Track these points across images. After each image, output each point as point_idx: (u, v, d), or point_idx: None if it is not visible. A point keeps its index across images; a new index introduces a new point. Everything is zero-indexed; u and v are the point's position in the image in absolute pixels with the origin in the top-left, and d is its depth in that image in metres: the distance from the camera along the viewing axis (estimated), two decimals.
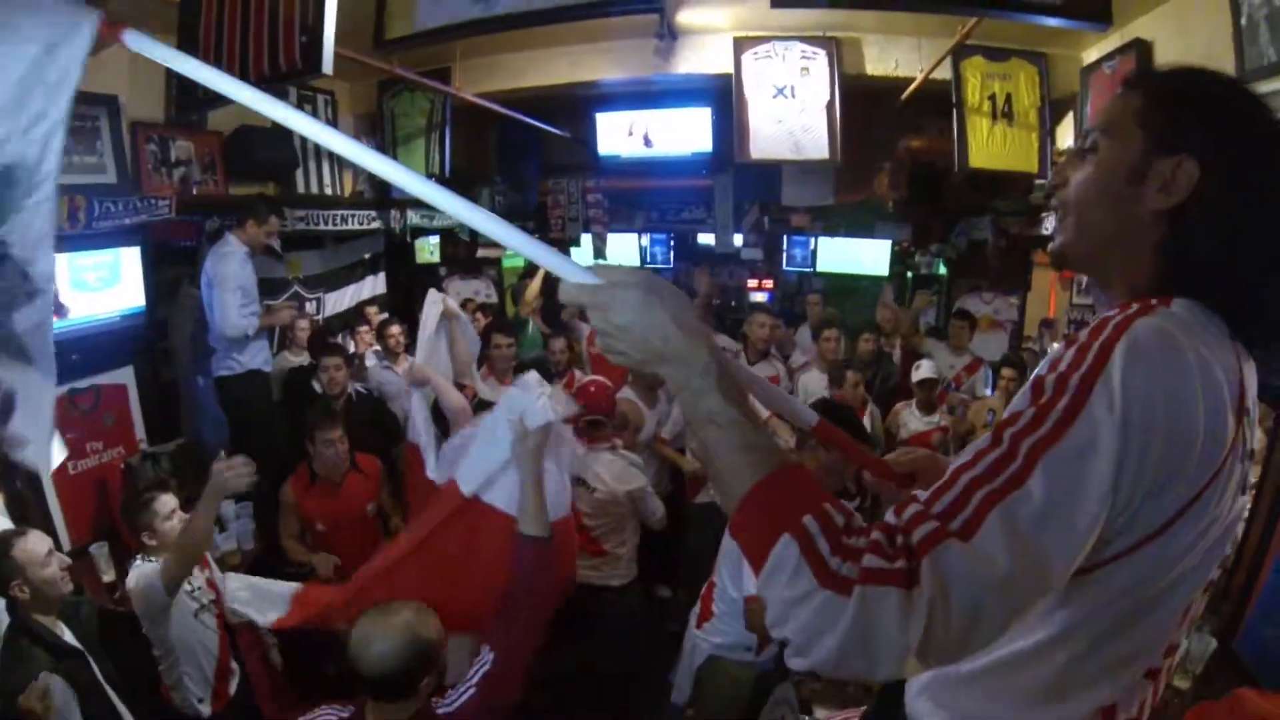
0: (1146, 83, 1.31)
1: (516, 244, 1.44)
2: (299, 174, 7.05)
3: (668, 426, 5.84)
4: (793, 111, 6.67)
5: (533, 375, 3.22)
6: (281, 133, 6.59)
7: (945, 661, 1.07)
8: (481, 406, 4.58)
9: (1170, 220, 1.21)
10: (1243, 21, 4.00)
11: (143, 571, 3.37)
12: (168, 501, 3.62)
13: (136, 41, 1.53)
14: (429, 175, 7.47)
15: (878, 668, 1.01)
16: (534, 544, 2.82)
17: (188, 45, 3.93)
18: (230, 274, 5.47)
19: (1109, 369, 1.06)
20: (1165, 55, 5.11)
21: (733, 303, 11.66)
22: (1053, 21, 4.66)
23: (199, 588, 3.63)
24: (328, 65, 3.56)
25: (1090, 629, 1.22)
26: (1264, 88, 3.91)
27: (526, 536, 2.82)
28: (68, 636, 3.26)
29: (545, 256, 1.41)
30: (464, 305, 8.51)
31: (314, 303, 7.79)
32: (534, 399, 3.03)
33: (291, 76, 3.72)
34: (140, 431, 5.45)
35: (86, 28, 1.51)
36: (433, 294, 4.19)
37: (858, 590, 0.99)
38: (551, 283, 7.59)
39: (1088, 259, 1.34)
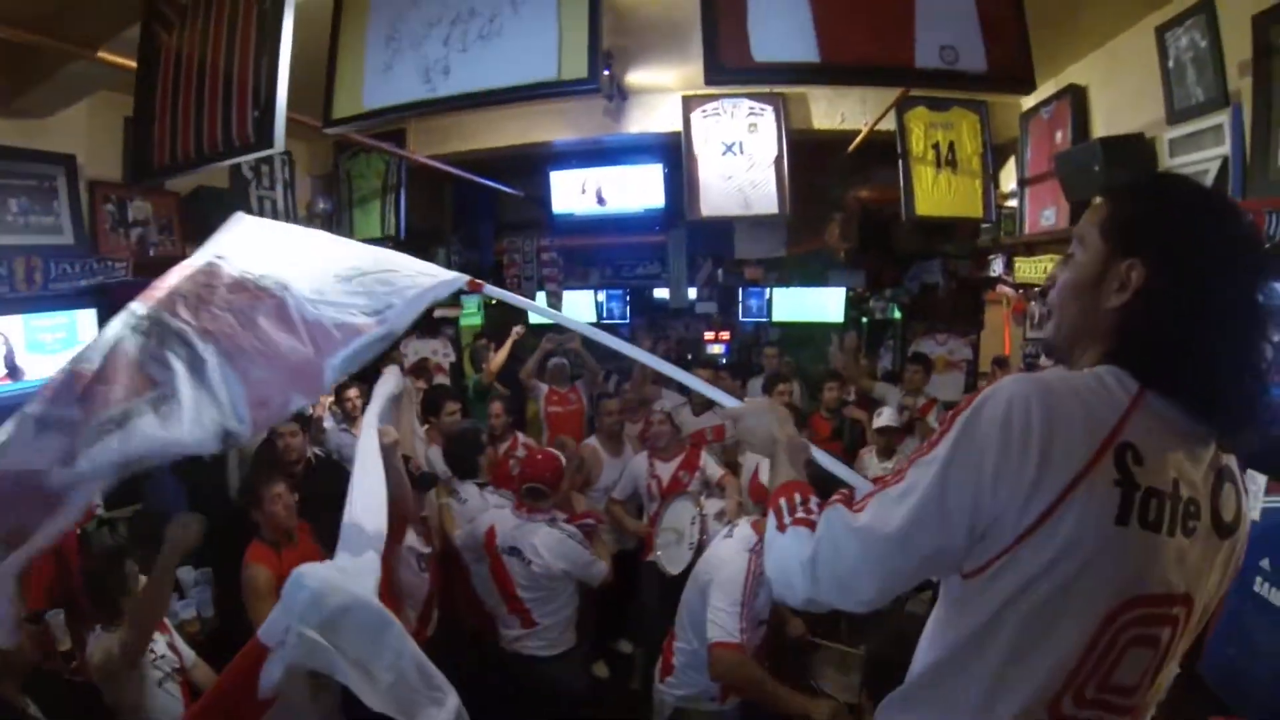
0: (1113, 194, 1.55)
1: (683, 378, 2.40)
2: None
3: (619, 486, 5.88)
4: (742, 168, 6.80)
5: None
6: (238, 193, 6.64)
7: (833, 597, 1.51)
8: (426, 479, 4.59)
9: (1122, 314, 1.44)
10: (1170, 65, 4.20)
11: (103, 643, 3.30)
12: (133, 567, 3.57)
13: (491, 290, 2.78)
14: (385, 235, 7.58)
15: (793, 587, 1.55)
16: None
17: (143, 115, 3.96)
18: None
19: (975, 403, 1.41)
20: (1099, 100, 5.33)
21: (689, 355, 11.70)
22: (978, 91, 4.89)
23: (162, 655, 3.53)
24: (279, 141, 3.60)
25: (992, 641, 1.43)
26: (1192, 127, 4.08)
27: None
28: (32, 710, 3.19)
29: (700, 386, 2.39)
30: (422, 364, 8.54)
31: None
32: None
33: (244, 150, 3.75)
34: (96, 497, 5.30)
35: (457, 284, 2.61)
36: (390, 371, 4.10)
37: (788, 529, 1.58)
38: (517, 347, 7.69)
39: (1065, 348, 1.57)
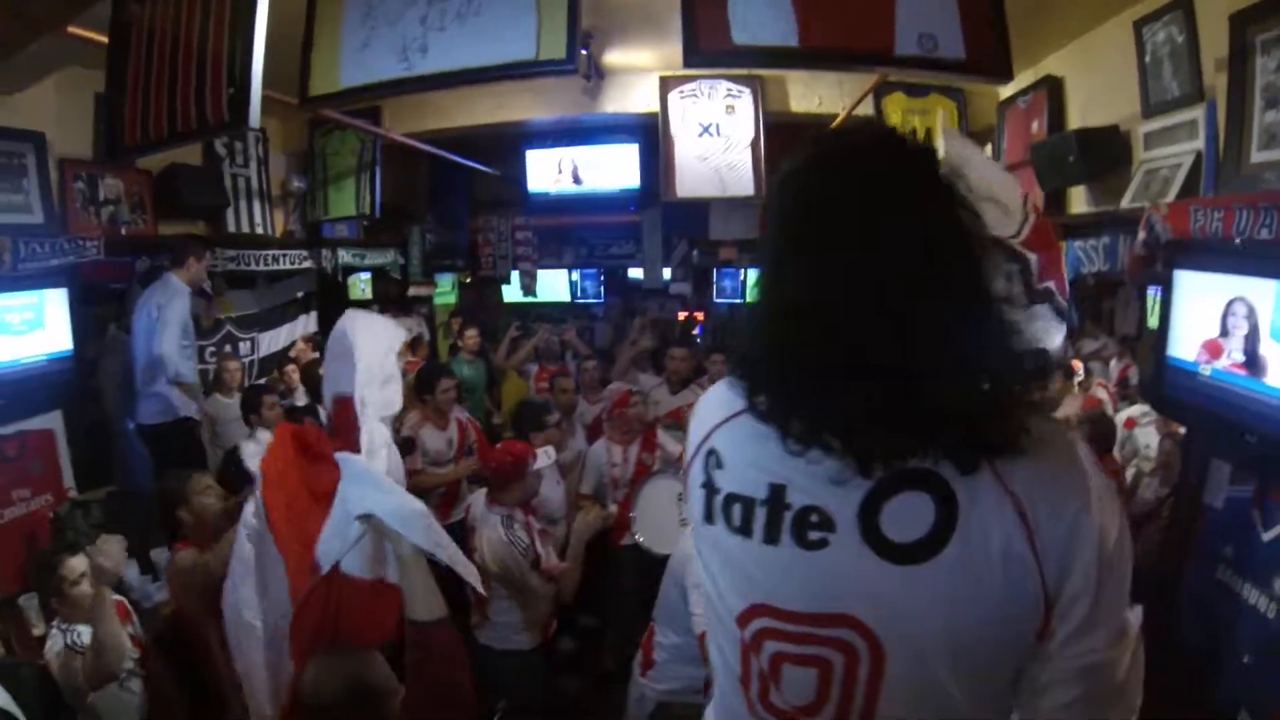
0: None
1: None
2: (229, 213, 6.92)
3: (585, 480, 5.84)
4: (718, 149, 6.80)
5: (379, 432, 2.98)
6: (211, 171, 6.57)
7: None
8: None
9: None
10: (1147, 59, 4.22)
11: (61, 658, 3.26)
12: (76, 566, 3.42)
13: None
14: (359, 214, 7.54)
15: None
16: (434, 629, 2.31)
17: (115, 91, 3.89)
18: (178, 314, 5.42)
19: None
20: (1075, 91, 5.35)
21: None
22: (957, 79, 4.90)
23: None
24: (254, 119, 3.54)
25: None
26: (1167, 121, 4.12)
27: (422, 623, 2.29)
28: (3, 699, 3.11)
29: None
30: (417, 340, 8.59)
31: (248, 343, 7.65)
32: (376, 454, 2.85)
33: (219, 129, 3.70)
34: (69, 479, 5.24)
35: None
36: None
37: None
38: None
39: None
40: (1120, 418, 5.58)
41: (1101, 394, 6.21)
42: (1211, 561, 3.50)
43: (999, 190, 2.88)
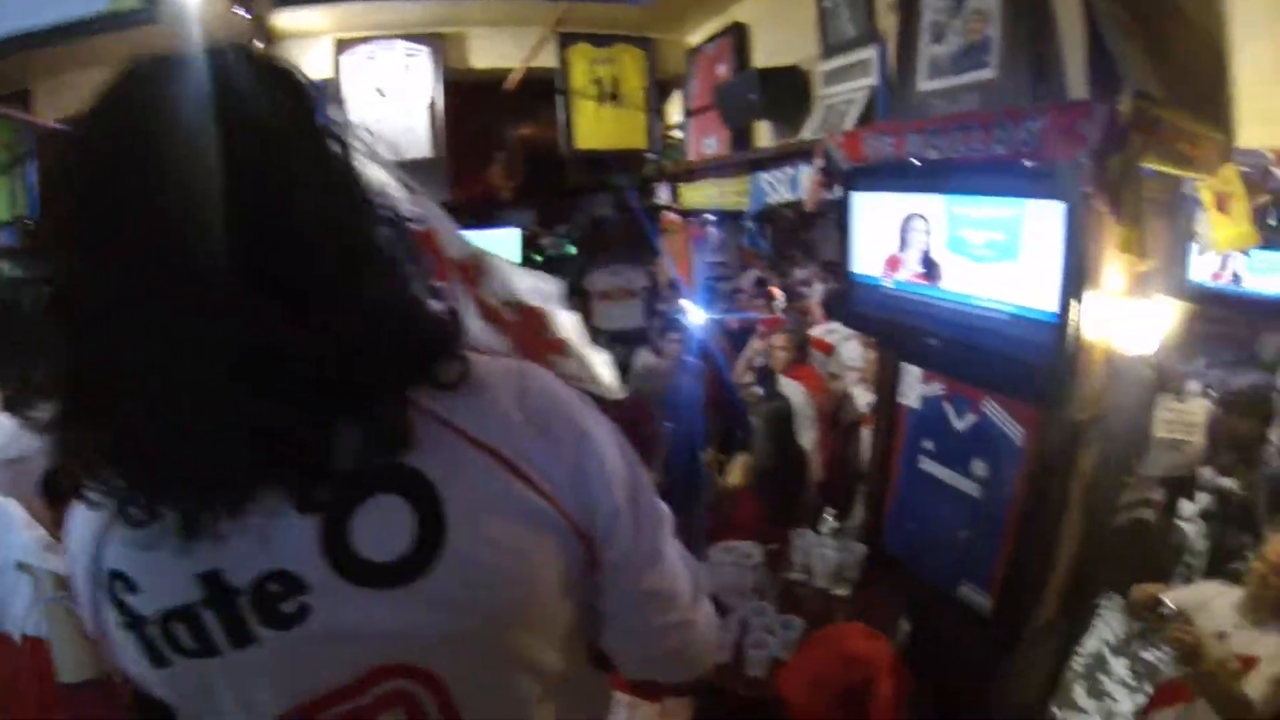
0: None
1: None
2: None
3: None
4: (393, 112, 6.67)
5: None
6: None
7: None
8: None
9: None
10: (825, 4, 4.51)
11: None
12: None
13: None
14: (16, 217, 6.70)
15: None
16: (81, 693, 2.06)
17: None
18: None
19: None
20: (760, 36, 5.65)
21: None
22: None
23: None
24: None
25: None
26: (843, 61, 4.43)
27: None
28: None
29: None
30: None
31: None
32: None
33: None
34: None
35: None
36: None
37: None
38: None
39: None
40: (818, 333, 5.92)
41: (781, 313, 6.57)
42: (915, 455, 3.86)
43: None
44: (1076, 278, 2.74)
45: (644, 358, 5.71)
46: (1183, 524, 5.55)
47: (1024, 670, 3.67)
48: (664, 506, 1.10)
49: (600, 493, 0.98)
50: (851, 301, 3.93)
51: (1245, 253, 7.34)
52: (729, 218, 7.32)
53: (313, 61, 6.77)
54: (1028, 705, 3.80)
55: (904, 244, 3.50)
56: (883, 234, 3.61)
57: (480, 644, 0.96)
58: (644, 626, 1.09)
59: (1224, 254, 3.37)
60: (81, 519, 0.95)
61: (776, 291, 6.76)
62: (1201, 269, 10.14)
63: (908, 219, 3.46)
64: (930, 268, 3.39)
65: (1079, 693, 4.27)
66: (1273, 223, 3.94)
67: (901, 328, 3.63)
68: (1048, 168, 2.73)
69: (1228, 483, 5.03)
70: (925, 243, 3.40)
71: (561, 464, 0.96)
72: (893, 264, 3.60)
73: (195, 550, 0.85)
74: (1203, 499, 5.39)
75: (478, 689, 0.98)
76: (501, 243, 10.54)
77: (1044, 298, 2.85)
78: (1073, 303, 2.76)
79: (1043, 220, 2.81)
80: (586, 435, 0.99)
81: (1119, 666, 3.50)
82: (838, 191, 3.92)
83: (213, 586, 0.88)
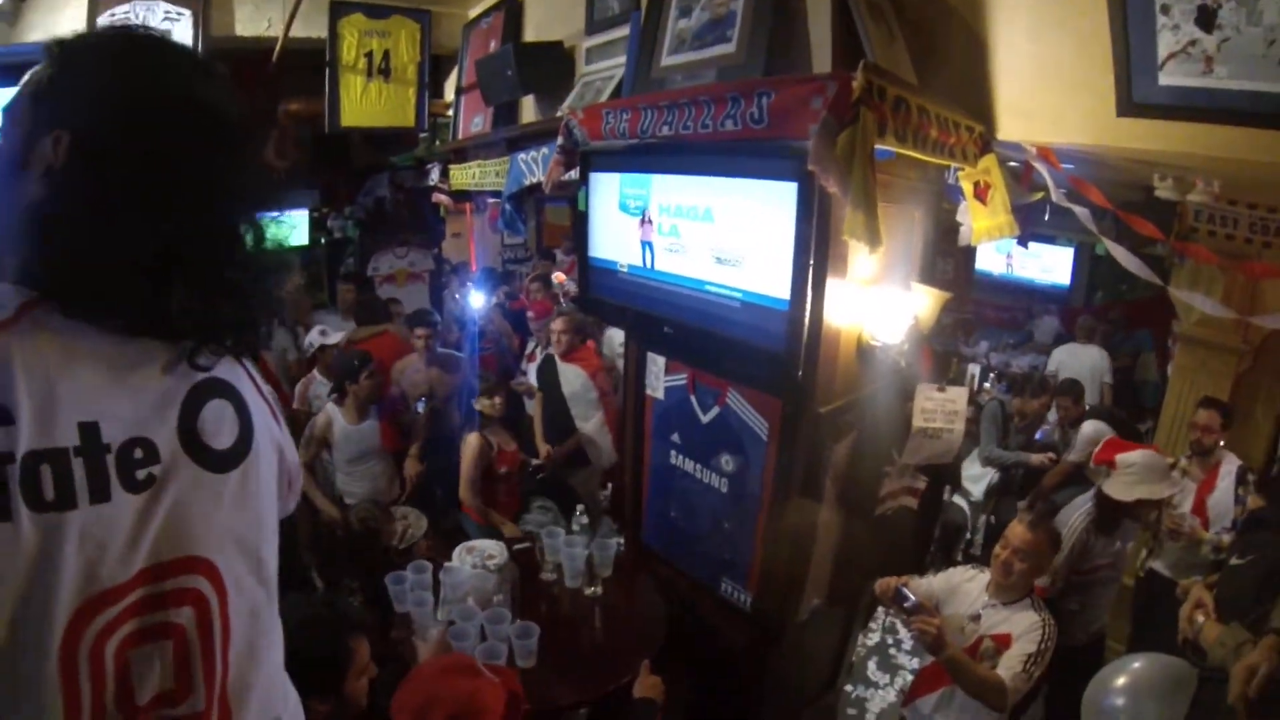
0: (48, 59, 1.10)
1: None
2: None
3: None
4: None
5: None
6: None
7: None
8: None
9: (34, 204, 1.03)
10: None
11: None
12: None
13: None
14: None
15: None
16: None
17: None
18: None
19: None
20: (532, 12, 5.48)
21: None
22: None
23: None
24: None
25: None
26: (606, 37, 4.28)
27: None
28: None
29: None
30: None
31: None
32: None
33: None
34: None
35: None
36: None
37: None
38: None
39: None
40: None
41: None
42: (666, 448, 3.73)
43: None
44: (807, 263, 2.62)
45: None
46: (960, 503, 5.74)
47: (800, 659, 3.69)
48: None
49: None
50: (590, 287, 3.76)
51: (1023, 244, 7.69)
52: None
53: (70, 22, 6.11)
54: (808, 690, 3.87)
55: (639, 226, 3.35)
56: (617, 216, 3.47)
57: (248, 553, 1.15)
58: None
59: (993, 243, 3.36)
60: None
61: (561, 277, 6.62)
62: (992, 259, 10.72)
63: (641, 200, 3.32)
64: (662, 252, 3.26)
65: (871, 668, 4.34)
66: (1046, 216, 3.98)
67: (638, 315, 3.49)
68: (778, 146, 2.60)
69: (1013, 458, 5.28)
70: (657, 225, 3.25)
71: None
72: (628, 247, 3.45)
73: (86, 400, 0.96)
74: (986, 477, 5.60)
75: (239, 603, 1.12)
76: (288, 226, 10.10)
77: (776, 284, 2.72)
78: (806, 289, 2.64)
79: (773, 202, 2.68)
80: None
81: (909, 638, 3.65)
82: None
83: (88, 437, 0.96)
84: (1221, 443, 4.23)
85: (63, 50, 1.09)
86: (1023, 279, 10.81)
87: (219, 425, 1.11)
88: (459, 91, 6.25)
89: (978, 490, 5.68)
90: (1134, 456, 3.58)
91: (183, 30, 6.10)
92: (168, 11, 6.13)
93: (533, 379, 5.34)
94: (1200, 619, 2.90)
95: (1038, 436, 5.56)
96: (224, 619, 1.10)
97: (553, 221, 10.79)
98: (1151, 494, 3.54)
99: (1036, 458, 5.34)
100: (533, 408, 5.28)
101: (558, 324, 4.99)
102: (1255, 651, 2.51)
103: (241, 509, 1.13)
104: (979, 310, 10.10)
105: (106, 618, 0.98)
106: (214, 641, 1.08)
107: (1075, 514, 3.69)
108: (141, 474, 1.01)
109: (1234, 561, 3.02)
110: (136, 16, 6.08)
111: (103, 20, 6.04)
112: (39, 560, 0.93)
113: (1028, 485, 5.44)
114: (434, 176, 7.36)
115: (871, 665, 4.43)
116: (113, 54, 1.10)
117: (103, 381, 0.99)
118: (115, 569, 0.98)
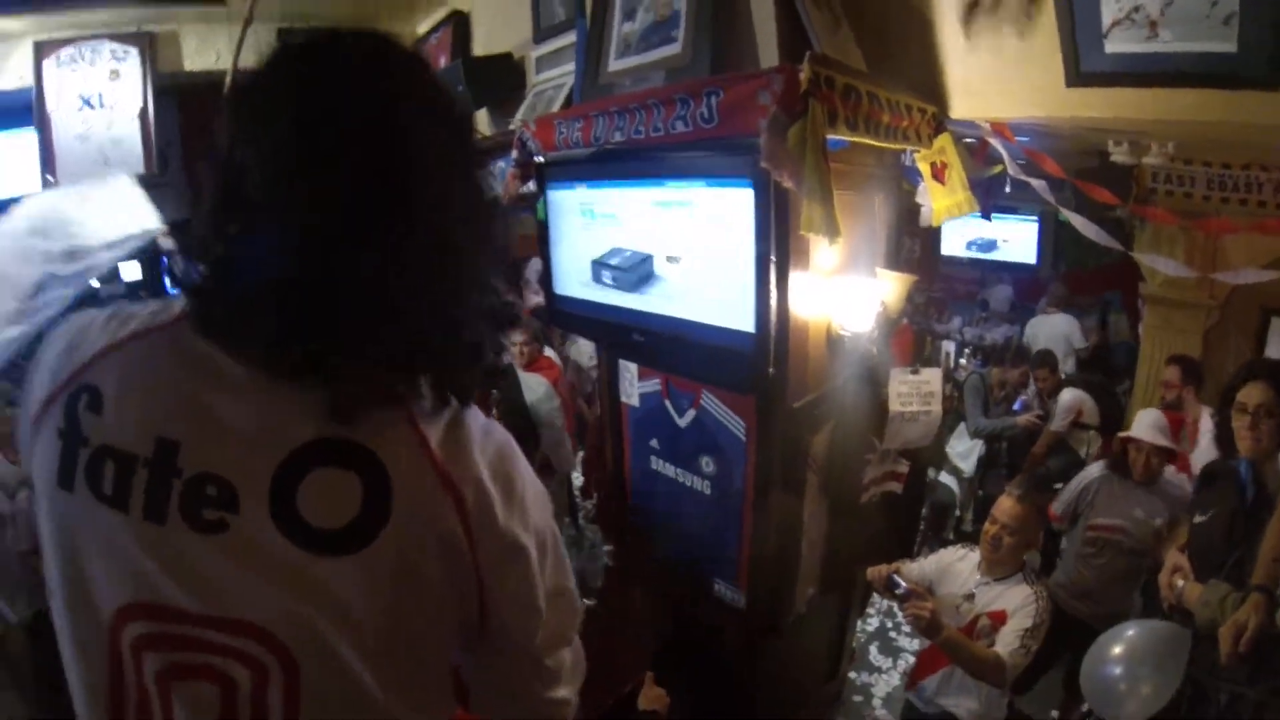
0: None
1: None
2: None
3: None
4: (101, 124, 6.03)
5: None
6: None
7: None
8: None
9: None
10: None
11: None
12: None
13: None
14: None
15: None
16: None
17: None
18: None
19: None
20: (479, 24, 5.47)
21: None
22: None
23: None
24: None
25: None
26: (554, 45, 4.27)
27: None
28: None
29: None
30: None
31: None
32: None
33: None
34: None
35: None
36: None
37: None
38: None
39: None
40: None
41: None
42: (646, 454, 3.71)
43: None
44: (768, 259, 2.60)
45: None
46: (948, 481, 5.77)
47: (800, 652, 3.70)
48: (580, 603, 1.19)
49: (510, 548, 1.03)
50: (555, 299, 3.73)
51: (986, 217, 7.71)
52: None
53: (16, 69, 6.06)
54: (811, 682, 3.83)
55: (600, 236, 3.33)
56: (577, 225, 3.44)
57: (350, 646, 0.95)
58: (527, 692, 1.14)
59: (950, 220, 3.37)
60: (85, 332, 1.01)
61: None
62: (957, 239, 10.72)
63: (600, 209, 3.30)
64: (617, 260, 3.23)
65: (873, 653, 4.33)
66: (1007, 189, 4.00)
67: (606, 325, 3.44)
68: (730, 144, 2.58)
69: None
70: (615, 234, 3.23)
71: (488, 508, 1.01)
72: (590, 258, 3.41)
73: (174, 418, 0.93)
74: (975, 451, 5.65)
75: (322, 690, 0.96)
76: None
77: (741, 285, 2.70)
78: (769, 287, 2.62)
79: (729, 201, 2.66)
80: (514, 478, 1.06)
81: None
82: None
83: (163, 454, 0.92)
84: (1189, 397, 4.27)
85: None
86: (991, 260, 10.72)
87: (329, 499, 0.94)
88: None
89: (968, 465, 5.72)
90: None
91: (130, 68, 6.02)
92: (114, 50, 6.05)
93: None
94: (1180, 582, 2.94)
95: (1015, 406, 5.60)
96: (290, 702, 0.96)
97: (520, 231, 10.75)
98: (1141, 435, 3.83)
99: (1024, 418, 5.39)
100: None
101: (519, 337, 5.02)
102: (1241, 609, 2.53)
103: (356, 597, 0.95)
104: (949, 286, 10.13)
105: (143, 629, 0.95)
106: (270, 713, 0.97)
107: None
108: (211, 515, 0.92)
109: (1197, 519, 3.04)
110: (84, 60, 6.02)
111: (49, 65, 5.97)
112: (73, 538, 0.96)
113: (1014, 456, 5.49)
114: None
115: (873, 651, 4.46)
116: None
117: (204, 408, 0.94)
118: (158, 586, 0.93)
